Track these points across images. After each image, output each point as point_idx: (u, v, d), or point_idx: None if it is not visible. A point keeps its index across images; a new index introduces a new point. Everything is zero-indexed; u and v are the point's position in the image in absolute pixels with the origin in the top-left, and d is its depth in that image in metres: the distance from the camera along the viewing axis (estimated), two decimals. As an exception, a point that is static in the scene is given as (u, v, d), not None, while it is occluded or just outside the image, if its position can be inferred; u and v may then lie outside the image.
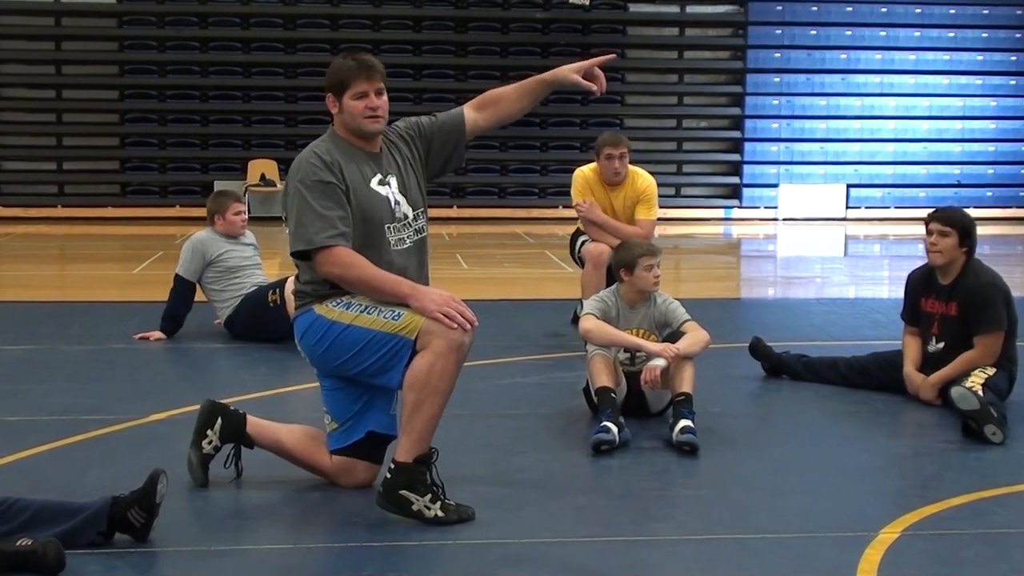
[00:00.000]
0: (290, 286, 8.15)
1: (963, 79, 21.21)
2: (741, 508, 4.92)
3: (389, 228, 4.84)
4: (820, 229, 19.69)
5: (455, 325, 4.54)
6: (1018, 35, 21.37)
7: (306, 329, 4.79)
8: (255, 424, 5.10)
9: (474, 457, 5.52)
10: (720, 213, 20.93)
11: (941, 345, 6.72)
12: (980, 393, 6.07)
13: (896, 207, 20.95)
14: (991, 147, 21.32)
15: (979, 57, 21.25)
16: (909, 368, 6.80)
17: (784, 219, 20.49)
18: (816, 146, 21.01)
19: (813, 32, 21.14)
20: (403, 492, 4.59)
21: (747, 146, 21.00)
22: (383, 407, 4.96)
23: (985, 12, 21.30)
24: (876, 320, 9.64)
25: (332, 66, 4.95)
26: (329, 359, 4.78)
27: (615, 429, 5.68)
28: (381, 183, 4.89)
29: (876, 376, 7.01)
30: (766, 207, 20.87)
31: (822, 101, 21.09)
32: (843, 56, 21.14)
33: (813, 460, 5.70)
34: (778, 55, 21.12)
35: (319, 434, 5.08)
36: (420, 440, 4.61)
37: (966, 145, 21.27)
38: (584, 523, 4.71)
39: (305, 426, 5.17)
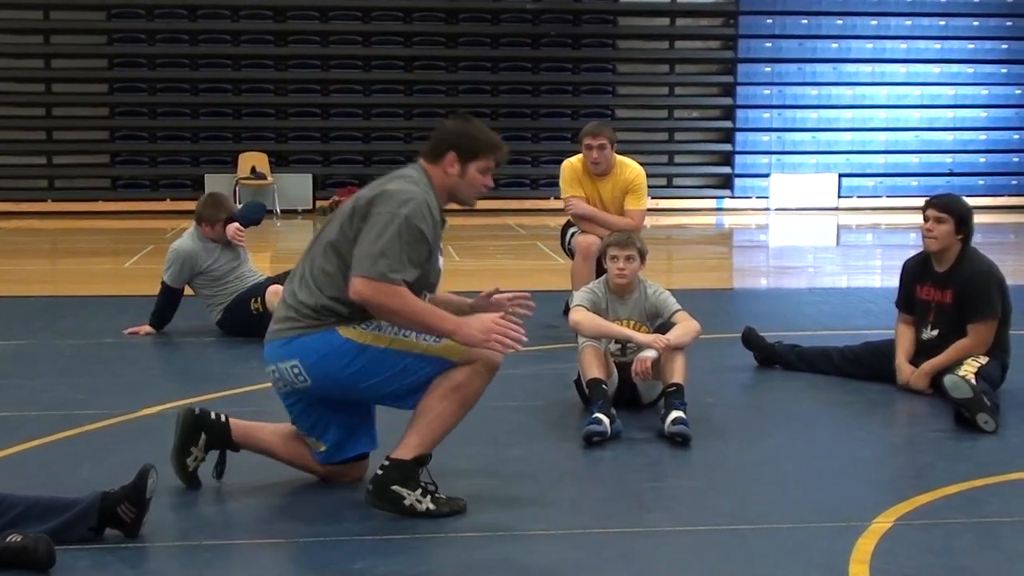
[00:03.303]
0: (273, 293, 8.10)
1: (954, 67, 21.21)
2: (734, 498, 4.91)
3: (424, 296, 4.73)
4: (812, 219, 19.70)
5: (507, 350, 4.52)
6: (1009, 23, 21.37)
7: (326, 352, 4.55)
8: (239, 429, 4.97)
9: (466, 449, 5.50)
10: (712, 203, 20.93)
11: (935, 333, 6.71)
12: (973, 382, 6.06)
13: (888, 196, 20.96)
14: (983, 135, 21.33)
15: (970, 45, 21.25)
16: (900, 358, 6.79)
17: (776, 209, 20.49)
18: (808, 135, 21.01)
19: (804, 21, 21.12)
20: (395, 488, 4.57)
21: (739, 136, 20.99)
22: (370, 428, 4.93)
23: (976, 0, 21.30)
24: (868, 309, 9.63)
25: (469, 128, 4.80)
26: (351, 382, 4.60)
27: (607, 420, 5.67)
28: (440, 253, 4.83)
29: (869, 365, 7.00)
30: (758, 197, 20.88)
31: (813, 90, 21.09)
32: (834, 45, 21.13)
33: (806, 450, 5.69)
34: (769, 44, 21.10)
35: (291, 444, 5.00)
36: (426, 443, 4.60)
37: (958, 134, 21.28)
38: (577, 514, 4.70)
39: (288, 424, 5.08)
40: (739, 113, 21.02)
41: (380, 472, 4.61)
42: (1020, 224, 18.91)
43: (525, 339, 4.61)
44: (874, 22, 21.22)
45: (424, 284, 4.68)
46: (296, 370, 4.62)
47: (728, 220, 19.73)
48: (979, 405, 5.87)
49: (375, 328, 4.54)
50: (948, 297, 6.68)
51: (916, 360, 6.73)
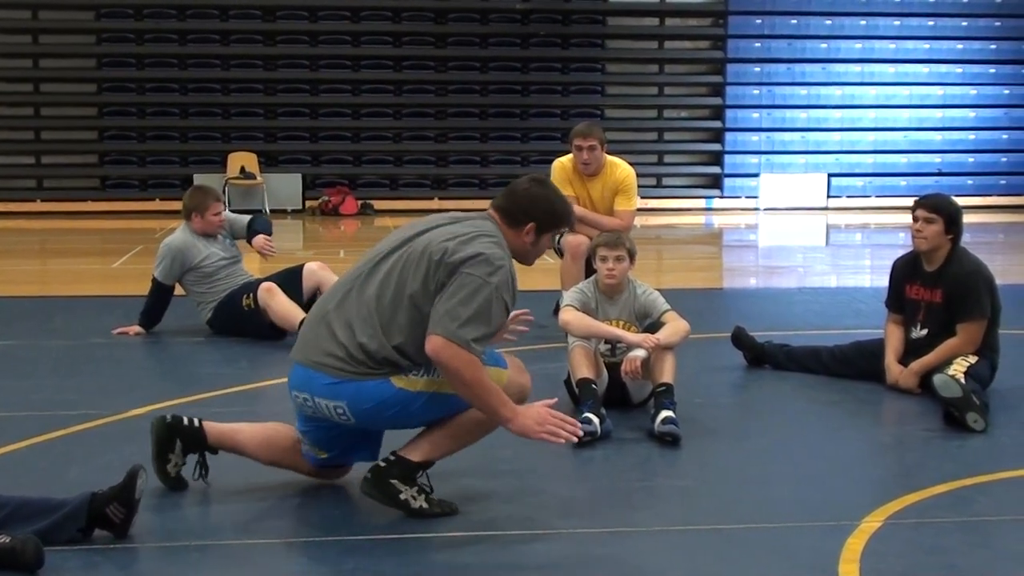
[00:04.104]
0: (265, 290, 8.12)
1: (943, 68, 21.25)
2: (723, 498, 4.91)
3: None
4: (801, 218, 19.72)
5: (560, 441, 4.51)
6: (997, 23, 21.42)
7: (379, 401, 4.48)
8: (215, 433, 4.91)
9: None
10: (701, 203, 20.95)
11: (925, 332, 6.73)
12: (962, 381, 6.07)
13: (877, 196, 21.00)
14: (971, 135, 21.37)
15: (959, 46, 21.28)
16: (890, 358, 6.80)
17: (765, 209, 20.52)
18: (797, 135, 21.04)
19: (793, 21, 21.15)
20: (393, 481, 4.57)
21: (728, 136, 21.01)
22: (377, 442, 4.88)
23: (965, 0, 21.34)
24: (858, 309, 9.65)
25: (551, 202, 4.74)
26: (396, 421, 4.60)
27: (596, 420, 5.67)
28: None
29: (858, 365, 7.01)
30: (747, 197, 20.90)
31: (803, 91, 21.11)
32: (823, 45, 21.16)
33: (795, 450, 5.70)
34: (758, 45, 21.12)
35: (283, 433, 4.95)
36: (434, 453, 4.62)
37: (946, 134, 21.31)
38: (567, 515, 4.69)
39: (268, 427, 5.02)
40: (728, 113, 21.03)
41: (383, 464, 4.61)
42: (1009, 224, 18.95)
43: (580, 433, 4.64)
44: (863, 22, 21.25)
45: None
46: (340, 411, 4.53)
47: (717, 220, 19.75)
48: (968, 404, 5.88)
49: (423, 371, 4.50)
50: (937, 297, 6.69)
51: (905, 359, 6.74)
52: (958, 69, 21.27)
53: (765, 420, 6.29)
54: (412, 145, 20.88)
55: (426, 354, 4.39)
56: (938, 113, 21.29)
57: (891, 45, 21.19)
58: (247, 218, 8.86)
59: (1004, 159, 21.47)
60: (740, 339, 7.43)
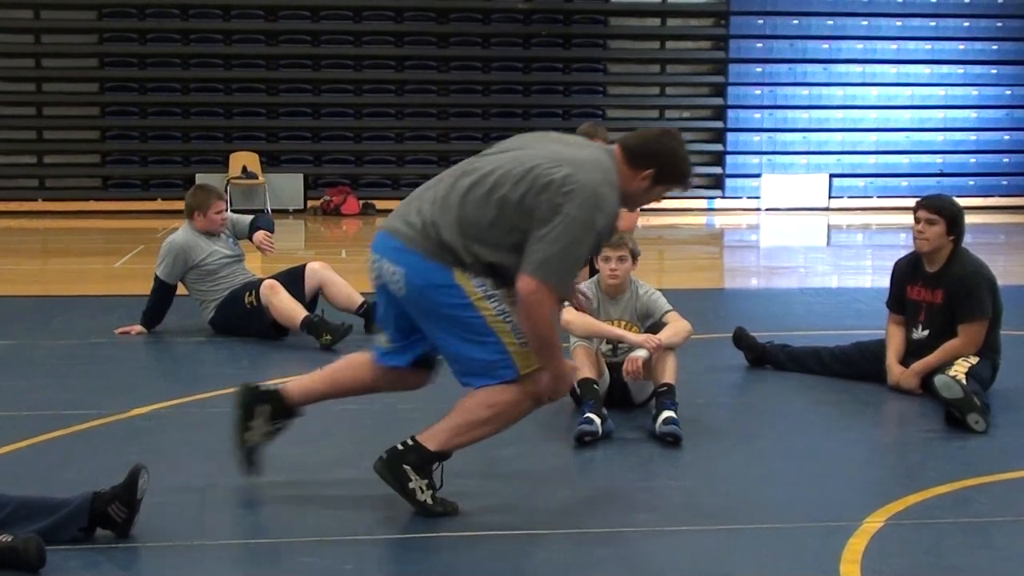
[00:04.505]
0: (268, 287, 8.14)
1: (945, 68, 21.24)
2: (725, 499, 4.91)
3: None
4: (803, 219, 19.72)
5: (539, 401, 4.60)
6: (999, 24, 21.41)
7: (435, 284, 4.48)
8: (298, 393, 4.94)
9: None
10: (703, 203, 20.94)
11: (926, 333, 6.73)
12: (964, 382, 6.07)
13: (878, 197, 20.99)
14: (973, 136, 21.36)
15: (961, 46, 21.27)
16: (891, 358, 6.80)
17: (767, 209, 20.52)
18: (798, 136, 21.03)
19: (795, 22, 21.15)
20: (407, 467, 4.57)
21: (729, 136, 21.00)
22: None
23: (966, 1, 21.34)
24: (859, 310, 9.65)
25: (679, 157, 4.71)
26: (435, 319, 4.55)
27: (598, 420, 5.67)
28: None
29: (859, 365, 7.01)
30: (749, 197, 20.90)
31: (804, 91, 21.10)
32: (825, 46, 21.15)
33: (797, 450, 5.70)
34: (760, 45, 21.12)
35: (353, 359, 4.99)
36: (452, 442, 4.62)
37: (948, 134, 21.31)
38: (567, 515, 4.70)
39: (337, 364, 5.02)
40: (730, 113, 21.03)
41: (400, 447, 4.60)
42: (1010, 225, 18.95)
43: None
44: (865, 23, 21.24)
45: None
46: (396, 276, 4.55)
47: (719, 220, 19.75)
48: (969, 405, 5.88)
49: (486, 294, 4.49)
50: (939, 297, 6.69)
51: (906, 360, 6.75)
52: (960, 70, 21.26)
53: (766, 420, 6.29)
54: (414, 145, 20.89)
55: (491, 264, 4.45)
56: (940, 114, 21.28)
57: (893, 46, 21.19)
58: (250, 218, 8.87)
59: (1006, 160, 21.46)
60: (741, 340, 7.44)
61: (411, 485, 4.57)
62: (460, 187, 4.54)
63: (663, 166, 4.65)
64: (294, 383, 5.02)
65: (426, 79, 20.73)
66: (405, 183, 20.63)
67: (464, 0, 20.92)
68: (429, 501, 4.59)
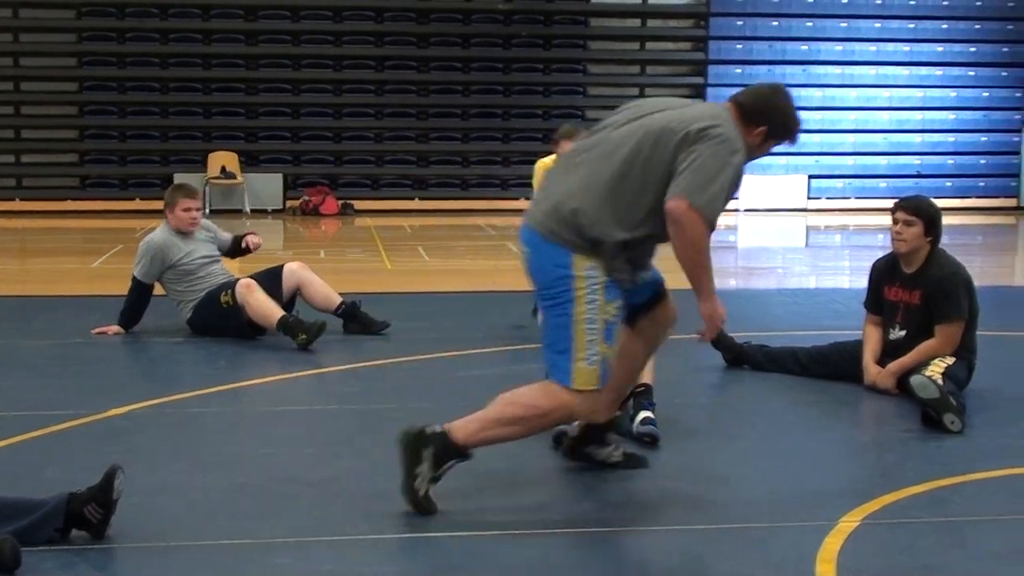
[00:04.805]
0: (244, 286, 8.12)
1: (923, 70, 21.34)
2: (702, 498, 4.92)
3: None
4: (781, 220, 19.78)
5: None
6: (977, 26, 21.51)
7: (554, 262, 4.60)
8: (465, 437, 4.69)
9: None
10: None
11: (903, 333, 6.76)
12: (940, 382, 6.09)
13: (857, 198, 21.07)
14: (951, 137, 21.45)
15: (939, 48, 21.37)
16: (868, 359, 6.83)
17: (745, 210, 20.56)
18: (776, 136, 21.06)
19: (775, 23, 21.21)
20: (425, 452, 4.59)
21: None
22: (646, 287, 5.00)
23: (944, 3, 21.43)
24: (837, 310, 9.68)
25: (790, 114, 4.87)
26: (540, 284, 4.69)
27: (575, 421, 5.67)
28: None
29: (837, 366, 7.04)
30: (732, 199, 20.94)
31: (783, 92, 21.15)
32: (804, 47, 21.23)
33: (774, 450, 5.72)
34: (740, 46, 21.18)
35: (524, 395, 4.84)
36: (479, 438, 4.66)
37: (926, 136, 21.40)
38: (545, 516, 4.70)
39: (503, 398, 4.83)
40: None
41: (430, 431, 4.61)
42: (987, 226, 19.04)
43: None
44: (843, 24, 21.32)
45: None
46: (525, 255, 4.72)
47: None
48: (945, 405, 5.90)
49: (590, 279, 4.57)
50: (916, 298, 6.72)
51: (883, 360, 6.77)
52: (938, 72, 21.36)
53: (744, 420, 6.31)
54: (393, 145, 20.88)
55: (627, 242, 4.56)
56: (918, 115, 21.37)
57: (872, 47, 21.28)
58: (230, 236, 8.85)
59: (983, 161, 21.57)
60: (719, 340, 7.42)
61: (416, 471, 4.58)
62: (594, 161, 4.65)
63: (775, 123, 4.81)
64: (459, 424, 4.78)
65: (406, 79, 20.73)
66: (384, 183, 20.64)
67: (444, 0, 20.92)
68: (421, 493, 4.58)
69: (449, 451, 4.62)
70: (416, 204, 20.42)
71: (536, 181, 8.61)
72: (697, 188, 4.48)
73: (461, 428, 4.65)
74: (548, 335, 4.70)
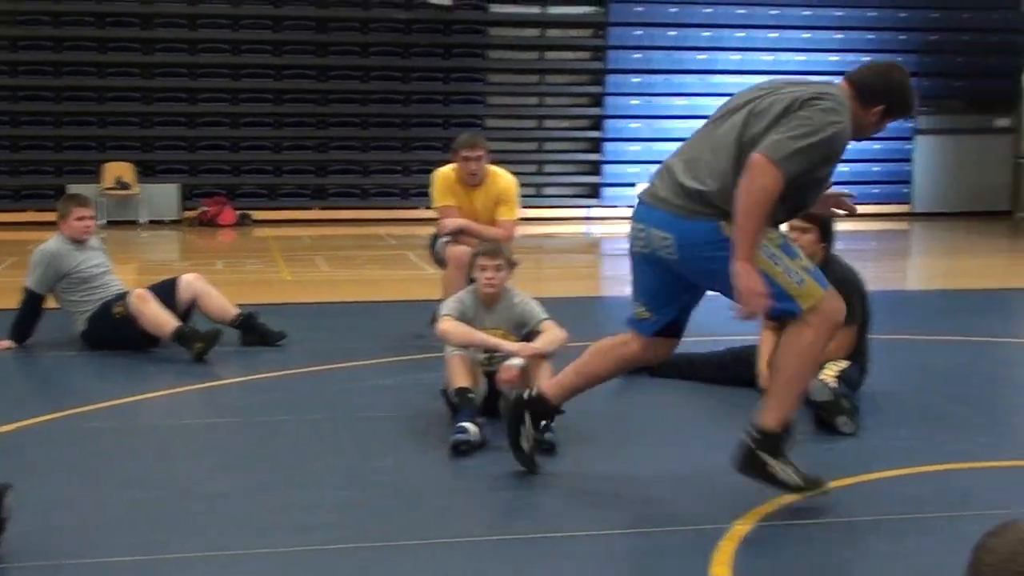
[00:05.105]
0: (137, 297, 8.02)
1: (818, 80, 21.63)
2: (598, 505, 4.95)
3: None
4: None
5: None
6: (871, 36, 21.90)
7: (705, 241, 4.66)
8: (555, 392, 5.23)
9: (331, 461, 5.49)
10: (581, 212, 21.09)
11: (796, 339, 6.84)
12: (833, 385, 6.19)
13: (754, 205, 21.33)
14: (850, 144, 21.75)
15: (833, 58, 21.70)
16: (763, 364, 6.91)
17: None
18: (675, 145, 21.16)
19: (673, 33, 21.43)
20: (763, 454, 4.77)
21: (607, 146, 21.20)
22: (693, 303, 5.15)
23: (839, 15, 21.79)
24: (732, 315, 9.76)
25: (907, 92, 4.93)
26: (711, 271, 4.71)
27: (474, 429, 5.68)
28: None
29: (733, 371, 7.12)
30: (626, 206, 21.07)
31: (681, 101, 21.36)
32: (702, 57, 21.46)
33: (671, 455, 5.77)
34: (638, 56, 21.35)
35: (604, 348, 5.29)
36: (786, 410, 4.81)
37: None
38: (443, 525, 4.69)
39: (587, 358, 5.27)
40: (608, 123, 21.23)
41: (751, 442, 4.80)
42: (881, 231, 19.40)
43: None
44: (741, 34, 21.60)
45: (799, 197, 4.78)
46: (667, 243, 4.75)
47: (597, 229, 19.90)
48: (838, 408, 6.00)
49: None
50: (810, 303, 6.81)
51: (779, 365, 6.85)
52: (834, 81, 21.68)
53: (641, 427, 6.35)
54: (292, 155, 20.74)
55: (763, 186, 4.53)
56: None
57: (768, 57, 21.57)
58: None
59: (876, 168, 21.96)
60: (618, 347, 7.49)
61: (770, 469, 4.77)
62: (714, 141, 4.76)
63: (893, 102, 4.89)
64: (550, 384, 5.31)
65: (304, 88, 20.61)
66: (283, 193, 20.50)
67: (343, 10, 20.84)
68: (794, 477, 4.78)
69: (771, 439, 4.80)
70: (315, 214, 20.29)
71: (435, 191, 8.61)
72: (781, 145, 4.52)
73: (768, 411, 4.83)
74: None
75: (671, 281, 4.95)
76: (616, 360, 5.29)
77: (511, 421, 5.20)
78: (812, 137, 4.57)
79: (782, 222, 4.93)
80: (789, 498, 4.97)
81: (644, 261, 4.99)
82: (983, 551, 1.78)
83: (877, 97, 4.87)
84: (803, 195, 4.79)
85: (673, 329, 5.20)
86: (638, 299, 5.14)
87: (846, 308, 6.64)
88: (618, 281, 13.97)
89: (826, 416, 6.03)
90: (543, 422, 5.32)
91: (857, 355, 6.74)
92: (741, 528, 4.59)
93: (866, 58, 21.85)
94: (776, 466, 4.79)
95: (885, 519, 4.78)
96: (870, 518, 4.79)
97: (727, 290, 4.73)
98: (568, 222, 20.42)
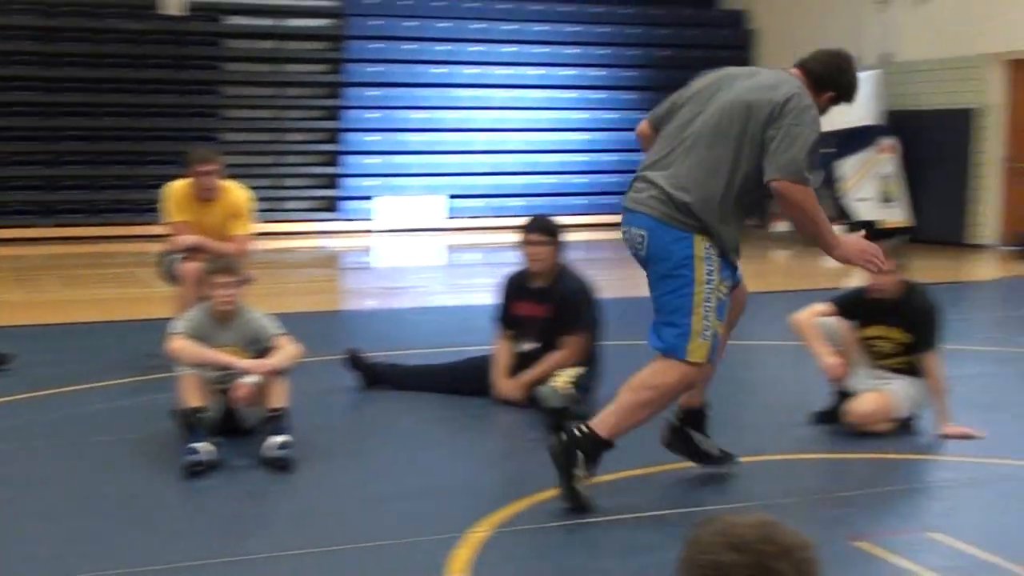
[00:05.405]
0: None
1: (558, 93, 22.05)
2: (336, 520, 4.92)
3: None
4: (420, 239, 20.03)
5: (878, 267, 5.16)
6: (605, 51, 22.42)
7: (678, 242, 4.92)
8: (608, 429, 5.04)
9: (60, 489, 5.28)
10: (319, 226, 20.91)
11: (533, 346, 6.97)
12: (567, 391, 6.32)
13: (494, 216, 21.55)
14: (584, 157, 22.24)
15: (570, 72, 22.14)
16: (498, 373, 7.01)
17: (384, 231, 20.71)
18: (415, 158, 21.34)
19: (412, 46, 21.48)
20: (580, 454, 4.94)
21: (345, 159, 21.08)
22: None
23: (575, 30, 22.25)
24: (472, 326, 9.84)
25: (853, 78, 5.29)
26: (661, 275, 4.99)
27: (207, 449, 5.56)
28: None
29: (471, 380, 7.18)
30: (365, 219, 21.02)
31: (421, 114, 21.44)
32: (442, 70, 21.58)
33: (409, 466, 5.77)
34: (376, 69, 21.32)
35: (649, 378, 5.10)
36: (622, 428, 5.01)
37: (561, 156, 22.12)
38: (178, 547, 4.57)
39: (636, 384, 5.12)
40: (346, 136, 21.12)
41: (578, 435, 4.96)
42: (616, 241, 19.85)
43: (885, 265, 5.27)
44: (479, 48, 21.81)
45: (756, 193, 5.04)
46: (640, 238, 5.01)
47: (336, 243, 19.77)
48: (571, 413, 6.13)
49: (708, 262, 4.92)
50: (546, 312, 6.95)
51: (516, 373, 6.96)
52: (572, 94, 22.12)
53: (380, 439, 6.34)
54: (19, 170, 19.88)
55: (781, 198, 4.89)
56: (553, 136, 22.07)
57: (507, 70, 21.85)
58: None
59: (614, 179, 22.39)
60: (355, 361, 7.46)
61: (575, 472, 4.91)
62: (697, 156, 4.99)
63: (842, 88, 5.25)
64: (599, 420, 5.09)
65: (31, 101, 19.81)
66: (9, 210, 19.62)
67: (73, 19, 20.13)
68: (582, 492, 4.93)
69: (599, 447, 4.97)
70: (42, 231, 19.51)
71: (167, 206, 8.39)
72: (788, 161, 4.85)
73: (602, 424, 4.99)
74: (666, 313, 4.98)
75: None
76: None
77: (564, 461, 5.01)
78: (807, 138, 4.91)
79: (746, 218, 5.16)
80: (526, 503, 5.05)
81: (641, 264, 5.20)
82: (687, 543, 1.84)
83: (828, 84, 5.22)
84: (759, 191, 5.01)
85: None
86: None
87: (578, 315, 6.86)
88: (357, 295, 13.94)
89: (559, 421, 6.12)
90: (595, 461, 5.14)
91: (589, 361, 6.90)
92: (479, 534, 4.63)
93: (604, 72, 22.26)
94: (580, 471, 4.96)
95: (619, 517, 4.91)
96: (607, 518, 4.91)
97: (660, 301, 5.02)
98: (306, 236, 20.22)
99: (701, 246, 4.92)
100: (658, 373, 4.99)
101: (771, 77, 5.14)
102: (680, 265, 4.92)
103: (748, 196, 5.00)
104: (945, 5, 17.79)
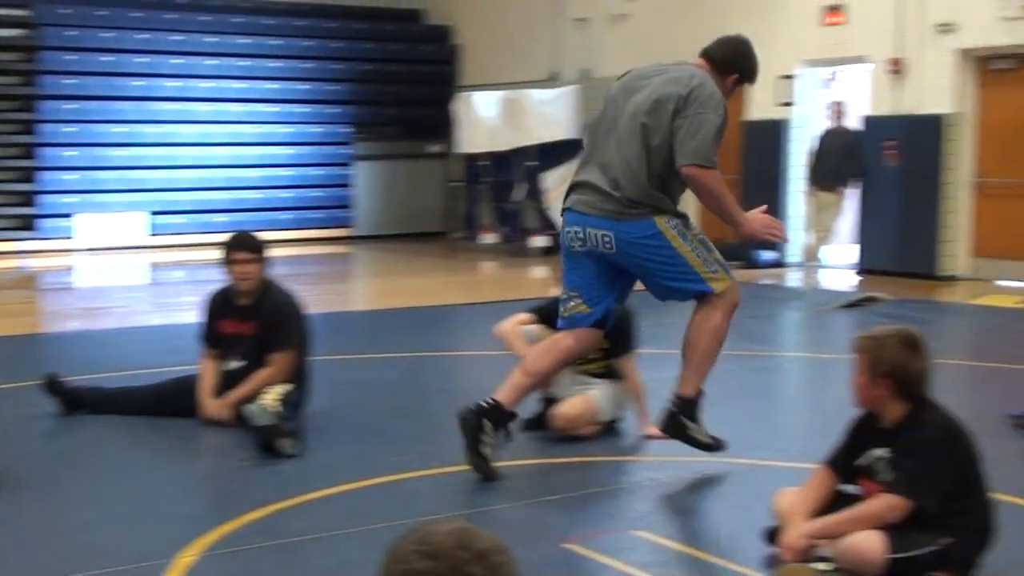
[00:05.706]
0: None
1: (262, 107, 21.77)
2: (34, 552, 4.73)
3: None
4: (123, 258, 19.41)
5: (778, 239, 5.81)
6: (311, 65, 22.27)
7: (640, 233, 5.50)
8: (509, 397, 5.63)
9: None
10: (15, 246, 20.01)
11: (240, 364, 6.86)
12: (276, 409, 6.23)
13: (198, 232, 21.08)
14: (290, 171, 22.04)
15: (274, 85, 21.90)
16: (203, 392, 6.86)
17: (84, 249, 19.98)
18: (115, 174, 20.69)
19: (108, 58, 20.82)
20: (684, 420, 5.67)
21: (41, 175, 20.26)
22: (620, 296, 5.82)
23: (277, 43, 22.02)
24: (176, 346, 9.59)
25: (754, 60, 5.85)
26: (641, 260, 5.55)
27: None
28: None
29: (176, 401, 6.98)
30: (64, 238, 20.25)
31: (120, 128, 20.80)
32: (141, 83, 21.00)
33: (110, 493, 5.59)
34: (73, 81, 20.58)
35: (549, 345, 5.84)
36: (703, 374, 5.69)
37: (266, 170, 21.85)
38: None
39: (533, 357, 5.80)
40: (42, 152, 20.31)
41: (672, 401, 5.73)
42: (325, 255, 19.81)
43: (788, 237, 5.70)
44: (181, 60, 21.31)
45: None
46: (607, 239, 5.52)
47: (33, 263, 18.95)
48: (279, 431, 6.06)
49: (676, 230, 5.52)
50: (252, 329, 6.85)
51: (223, 392, 6.83)
52: (276, 108, 21.88)
53: (80, 467, 6.11)
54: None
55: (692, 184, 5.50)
56: (258, 151, 21.78)
57: (210, 84, 21.44)
58: None
59: (320, 193, 22.35)
60: (53, 386, 7.13)
61: (688, 431, 5.73)
62: (624, 153, 5.53)
63: (743, 70, 5.81)
64: (502, 391, 5.65)
65: None
66: None
67: None
68: (707, 437, 5.77)
69: (689, 404, 5.70)
70: None
71: None
72: (695, 148, 5.40)
73: (686, 381, 5.69)
74: (675, 277, 5.57)
75: (609, 272, 5.65)
76: (557, 357, 5.80)
77: (471, 431, 5.52)
78: (712, 124, 5.43)
79: (680, 194, 5.68)
80: (233, 525, 4.97)
81: (586, 256, 5.63)
82: (385, 554, 1.85)
83: (731, 67, 5.76)
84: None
85: (603, 323, 5.77)
86: (574, 295, 5.71)
87: (286, 331, 6.79)
88: (57, 316, 13.42)
89: (269, 440, 6.06)
90: (502, 429, 5.64)
91: (298, 377, 6.84)
92: (184, 560, 4.53)
93: (307, 86, 22.20)
94: (692, 428, 5.67)
95: (330, 534, 4.89)
96: (315, 535, 4.88)
97: (653, 281, 5.63)
98: (1, 257, 19.33)
99: (661, 222, 5.50)
100: (706, 318, 5.59)
101: (677, 71, 5.66)
102: (655, 246, 5.50)
103: (676, 178, 5.52)
104: (639, 24, 18.49)
